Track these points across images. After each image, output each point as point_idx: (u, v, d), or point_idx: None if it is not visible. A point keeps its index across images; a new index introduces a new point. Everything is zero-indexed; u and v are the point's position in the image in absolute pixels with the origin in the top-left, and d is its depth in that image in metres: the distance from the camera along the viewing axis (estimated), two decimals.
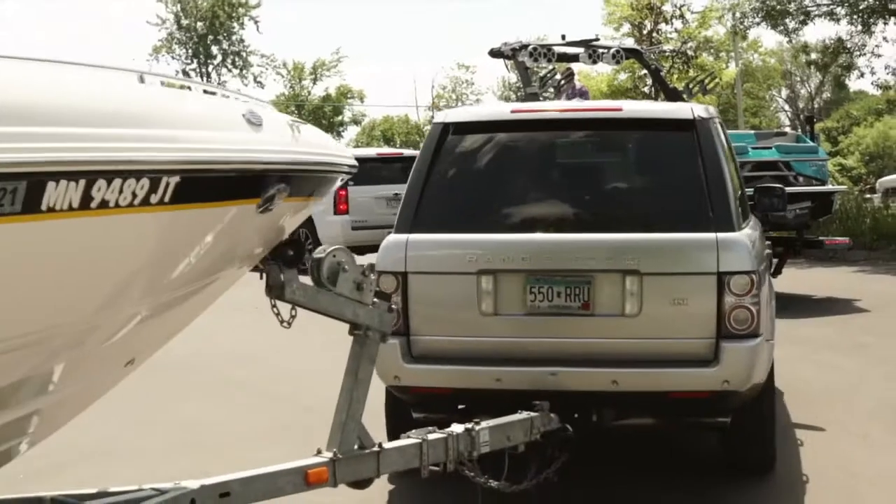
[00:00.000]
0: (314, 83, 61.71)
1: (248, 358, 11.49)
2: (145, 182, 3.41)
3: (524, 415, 5.71)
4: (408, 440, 5.17)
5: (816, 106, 70.63)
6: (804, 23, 29.24)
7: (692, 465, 7.28)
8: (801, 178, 15.96)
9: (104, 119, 3.36)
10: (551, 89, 16.49)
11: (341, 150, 5.16)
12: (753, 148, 15.98)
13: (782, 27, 29.80)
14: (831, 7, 28.65)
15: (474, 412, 5.68)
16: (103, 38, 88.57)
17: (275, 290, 4.68)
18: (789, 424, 8.00)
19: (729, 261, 5.89)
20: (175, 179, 3.53)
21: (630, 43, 30.42)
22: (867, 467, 7.05)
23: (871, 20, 28.51)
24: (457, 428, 5.35)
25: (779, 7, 28.78)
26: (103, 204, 3.26)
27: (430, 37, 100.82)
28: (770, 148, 16.10)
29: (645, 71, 25.77)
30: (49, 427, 4.21)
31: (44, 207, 3.08)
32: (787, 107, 73.47)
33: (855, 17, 28.59)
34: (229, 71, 59.13)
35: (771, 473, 6.79)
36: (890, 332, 12.61)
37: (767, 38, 70.87)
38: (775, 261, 16.23)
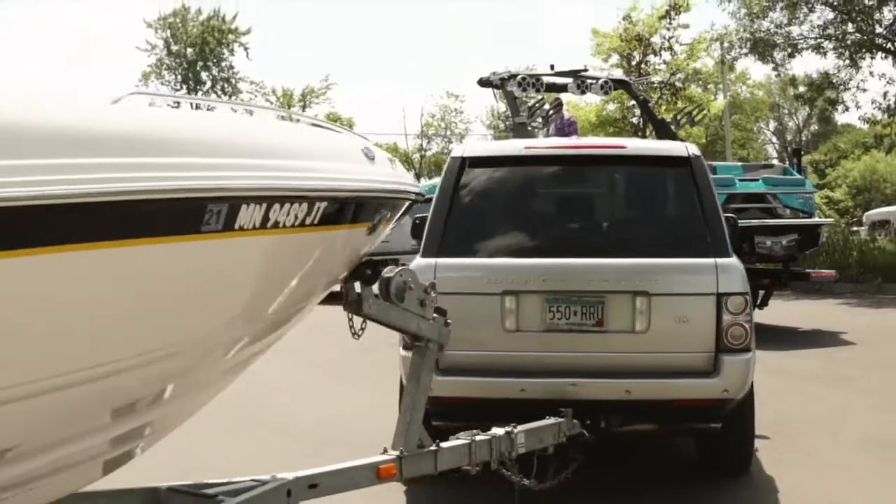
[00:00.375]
0: (303, 110, 61.86)
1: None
2: (305, 206, 4.09)
3: (552, 420, 6.30)
4: (459, 441, 5.71)
5: (804, 138, 70.95)
6: (792, 55, 29.46)
7: (673, 468, 7.61)
8: (788, 211, 16.03)
9: (277, 152, 4.10)
10: (540, 119, 16.57)
11: (412, 180, 5.72)
12: (741, 180, 16.04)
13: (770, 59, 29.98)
14: (818, 41, 28.86)
15: (498, 420, 6.10)
16: (93, 64, 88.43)
17: (353, 306, 5.21)
18: (773, 455, 7.98)
19: (727, 283, 6.62)
20: (324, 204, 4.22)
21: (619, 74, 30.59)
22: (852, 498, 7.04)
23: (858, 55, 28.70)
24: (498, 431, 5.90)
25: (767, 39, 28.97)
26: (275, 224, 3.92)
27: (418, 65, 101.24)
28: (757, 180, 16.17)
29: (633, 102, 25.91)
30: (165, 431, 4.52)
31: (236, 226, 3.71)
32: (774, 139, 73.81)
33: (842, 51, 28.79)
34: (219, 97, 59.20)
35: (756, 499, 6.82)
36: (874, 364, 12.65)
37: (756, 70, 71.23)
38: (761, 293, 16.33)
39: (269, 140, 4.22)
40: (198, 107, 4.84)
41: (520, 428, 6.01)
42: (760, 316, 16.57)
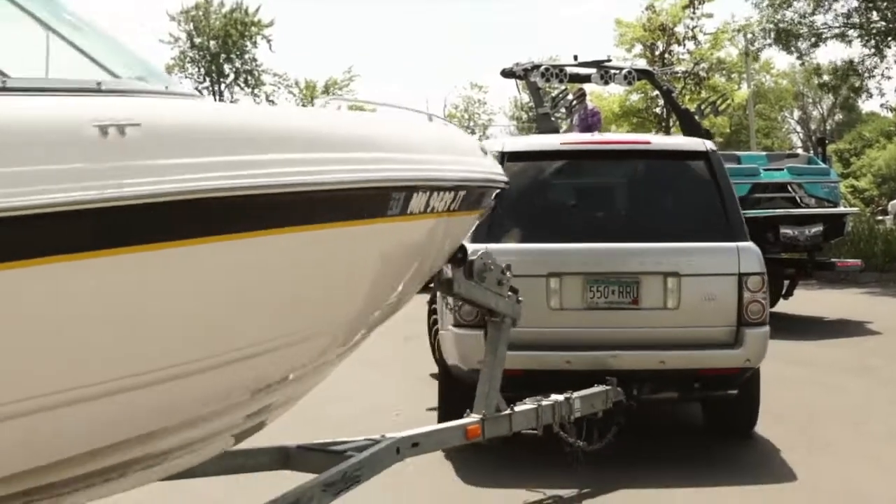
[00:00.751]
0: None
1: None
2: (451, 194, 4.86)
3: (601, 388, 7.07)
4: (528, 406, 6.50)
5: (828, 127, 70.59)
6: (816, 45, 29.31)
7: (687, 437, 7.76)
8: (812, 200, 15.98)
9: (429, 148, 4.85)
10: (563, 110, 16.55)
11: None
12: (765, 169, 16.01)
13: (794, 49, 29.83)
14: (843, 29, 28.70)
15: (544, 389, 6.85)
16: None
17: (444, 286, 6.03)
18: (795, 446, 8.00)
19: (747, 264, 7.48)
20: (464, 193, 5.00)
21: (642, 64, 30.50)
22: (874, 489, 6.99)
23: (883, 43, 28.54)
24: (558, 397, 6.71)
25: (790, 29, 28.82)
26: (433, 209, 4.67)
27: (441, 55, 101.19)
28: (782, 170, 16.13)
29: (657, 92, 25.86)
30: (289, 407, 4.87)
31: (408, 211, 4.43)
32: (798, 128, 73.48)
33: (867, 39, 28.63)
34: (241, 89, 59.18)
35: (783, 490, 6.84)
36: None
37: (780, 59, 70.72)
38: (786, 282, 16.30)
39: (426, 137, 4.98)
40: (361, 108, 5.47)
41: (576, 394, 6.81)
42: (785, 306, 16.59)
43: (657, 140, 9.52)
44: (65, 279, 3.12)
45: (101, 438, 3.58)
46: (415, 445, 5.61)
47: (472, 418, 6.08)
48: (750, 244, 7.61)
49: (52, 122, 3.17)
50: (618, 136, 12.08)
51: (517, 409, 6.40)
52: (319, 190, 3.83)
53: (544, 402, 6.57)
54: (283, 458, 5.44)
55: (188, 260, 3.42)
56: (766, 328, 7.49)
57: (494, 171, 5.56)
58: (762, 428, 8.31)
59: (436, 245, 5.07)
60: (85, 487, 3.81)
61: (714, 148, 8.24)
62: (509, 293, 6.35)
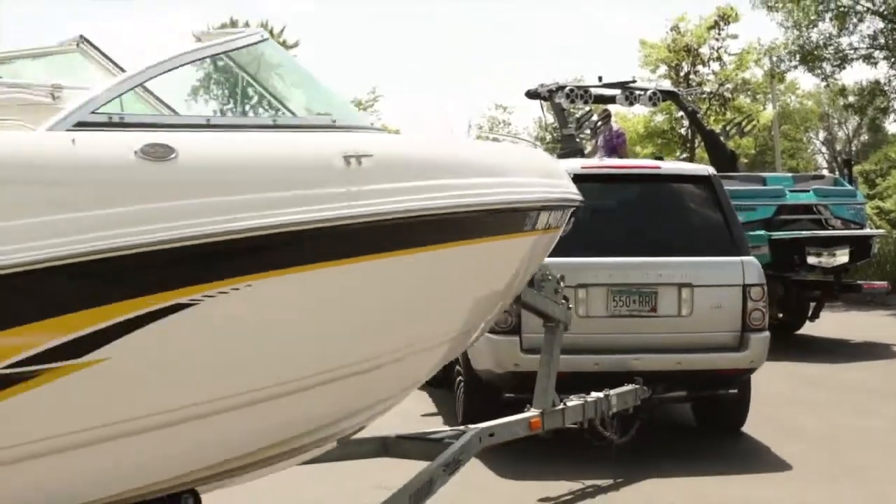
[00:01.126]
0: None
1: None
2: (560, 213, 5.68)
3: (631, 386, 7.79)
4: (575, 402, 7.16)
5: (854, 148, 70.24)
6: (841, 66, 29.15)
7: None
8: (839, 222, 15.89)
9: (544, 171, 5.62)
10: (588, 130, 16.57)
11: None
12: (791, 191, 15.91)
13: (819, 70, 29.70)
14: (869, 51, 28.56)
15: (572, 390, 7.39)
16: None
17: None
18: (822, 470, 7.95)
19: (750, 276, 8.44)
20: (559, 212, 5.68)
21: (667, 85, 30.42)
22: None
23: None
24: (598, 394, 7.38)
25: (816, 51, 28.70)
26: (548, 226, 5.50)
27: (464, 75, 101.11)
28: (808, 191, 16.03)
29: (682, 113, 25.83)
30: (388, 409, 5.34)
31: (537, 227, 5.30)
32: (824, 149, 73.13)
33: (893, 60, 28.48)
34: (265, 111, 59.46)
35: None
36: None
37: (805, 80, 70.46)
38: (812, 304, 16.20)
39: (537, 162, 5.79)
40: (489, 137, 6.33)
41: (612, 392, 7.51)
42: (811, 328, 16.49)
43: (666, 165, 10.50)
44: (317, 284, 3.93)
45: (295, 429, 4.34)
46: (491, 435, 6.25)
47: (533, 412, 6.76)
48: (752, 258, 8.65)
49: (312, 154, 4.07)
50: (631, 162, 12.71)
51: (570, 404, 7.11)
52: (481, 210, 4.66)
53: (589, 399, 7.25)
54: (382, 447, 6.11)
55: (400, 267, 4.26)
56: (767, 333, 8.42)
57: (575, 191, 6.05)
58: (792, 452, 8.33)
59: (535, 258, 5.74)
60: (253, 470, 4.45)
61: (714, 173, 9.31)
62: (562, 300, 7.00)
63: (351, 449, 5.87)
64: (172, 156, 3.59)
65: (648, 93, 17.43)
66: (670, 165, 11.73)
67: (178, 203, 3.54)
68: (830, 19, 28.21)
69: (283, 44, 58.70)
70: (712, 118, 30.11)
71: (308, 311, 4.01)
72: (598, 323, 8.26)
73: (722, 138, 17.27)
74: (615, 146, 16.30)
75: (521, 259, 5.38)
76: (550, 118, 18.21)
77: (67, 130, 3.63)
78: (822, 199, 15.88)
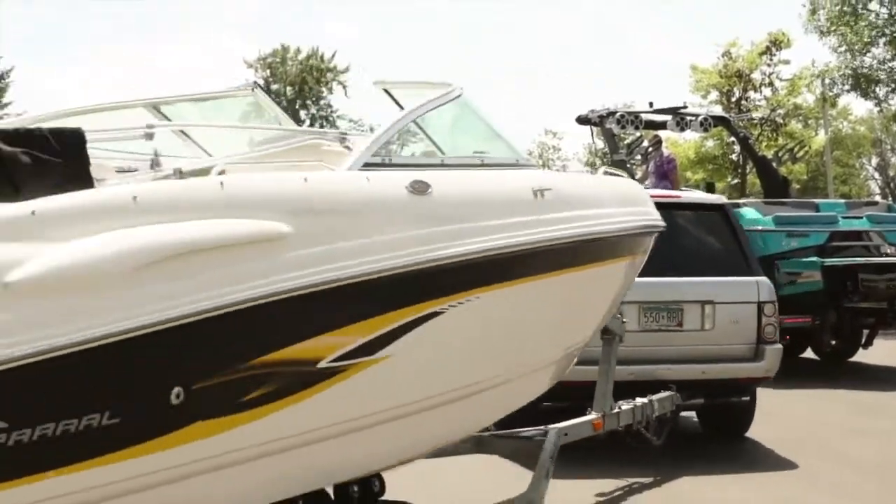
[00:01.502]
0: (401, 148, 62.00)
1: None
2: (650, 239, 6.35)
3: (668, 393, 8.17)
4: (627, 406, 7.57)
5: None
6: (895, 91, 28.95)
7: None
8: (892, 249, 15.72)
9: (641, 200, 6.32)
10: (639, 156, 16.53)
11: None
12: (844, 217, 15.76)
13: (872, 95, 29.50)
14: None
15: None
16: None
17: None
18: (877, 498, 7.90)
19: (763, 294, 9.46)
20: (649, 238, 6.32)
21: (718, 110, 30.33)
22: None
23: None
24: (643, 400, 7.77)
25: (869, 75, 28.52)
26: (644, 251, 6.28)
27: (514, 102, 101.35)
28: (861, 217, 15.87)
29: (733, 138, 25.71)
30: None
31: (636, 251, 6.09)
32: (877, 175, 72.39)
33: None
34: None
35: None
36: None
37: (857, 105, 69.92)
38: (866, 332, 16.04)
39: (635, 191, 6.50)
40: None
41: (654, 398, 7.88)
42: (864, 355, 16.32)
43: (686, 195, 11.80)
44: (522, 295, 4.85)
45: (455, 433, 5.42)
46: (565, 435, 6.59)
47: (595, 415, 7.21)
48: (764, 278, 9.73)
49: (516, 188, 4.99)
50: (656, 192, 12.57)
51: (624, 408, 7.55)
52: (619, 235, 5.65)
53: (637, 404, 7.70)
54: (476, 443, 6.53)
55: (563, 286, 5.17)
56: (779, 346, 9.45)
57: (659, 217, 6.51)
58: (848, 484, 8.27)
59: (630, 280, 6.32)
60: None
61: (727, 201, 10.61)
62: (618, 315, 7.30)
63: (451, 445, 6.26)
64: (429, 191, 4.51)
65: (699, 118, 17.35)
66: (689, 195, 12.97)
67: (437, 230, 4.43)
68: (884, 44, 28.05)
69: (333, 69, 59.20)
70: (764, 144, 29.99)
71: (520, 317, 4.96)
72: (631, 337, 8.48)
73: (774, 164, 17.15)
74: (666, 172, 16.23)
75: (623, 280, 6.10)
76: (601, 143, 18.24)
77: (360, 170, 4.55)
78: (876, 225, 15.70)
